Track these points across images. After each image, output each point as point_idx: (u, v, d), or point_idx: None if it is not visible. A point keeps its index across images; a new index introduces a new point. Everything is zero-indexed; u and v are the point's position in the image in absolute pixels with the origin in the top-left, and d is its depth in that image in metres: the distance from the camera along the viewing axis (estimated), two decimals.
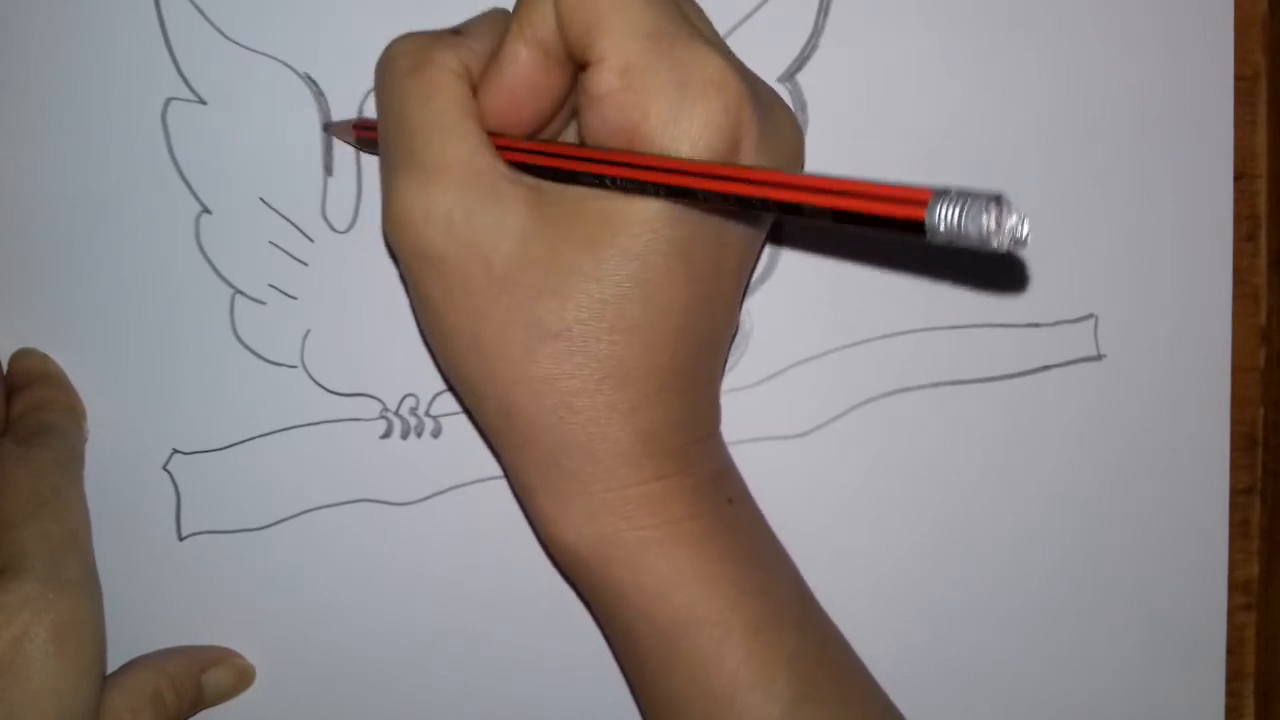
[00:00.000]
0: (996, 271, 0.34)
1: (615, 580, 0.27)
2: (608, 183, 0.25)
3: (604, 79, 0.25)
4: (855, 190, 0.21)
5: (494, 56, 0.27)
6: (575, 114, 0.28)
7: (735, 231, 0.28)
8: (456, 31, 0.28)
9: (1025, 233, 0.19)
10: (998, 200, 0.19)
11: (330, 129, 0.32)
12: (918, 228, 0.20)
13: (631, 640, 0.28)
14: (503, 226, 0.26)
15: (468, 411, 0.33)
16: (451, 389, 0.33)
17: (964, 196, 0.19)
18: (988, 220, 0.19)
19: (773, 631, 0.28)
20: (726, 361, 0.30)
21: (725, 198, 0.23)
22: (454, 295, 0.26)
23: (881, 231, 0.21)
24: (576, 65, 0.27)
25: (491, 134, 0.27)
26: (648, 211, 0.25)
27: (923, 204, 0.19)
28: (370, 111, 0.32)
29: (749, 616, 0.27)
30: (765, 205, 0.23)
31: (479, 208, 0.26)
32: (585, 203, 0.26)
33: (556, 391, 0.26)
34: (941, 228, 0.19)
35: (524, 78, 0.27)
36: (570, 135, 0.30)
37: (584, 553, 0.27)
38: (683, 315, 0.27)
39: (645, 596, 0.27)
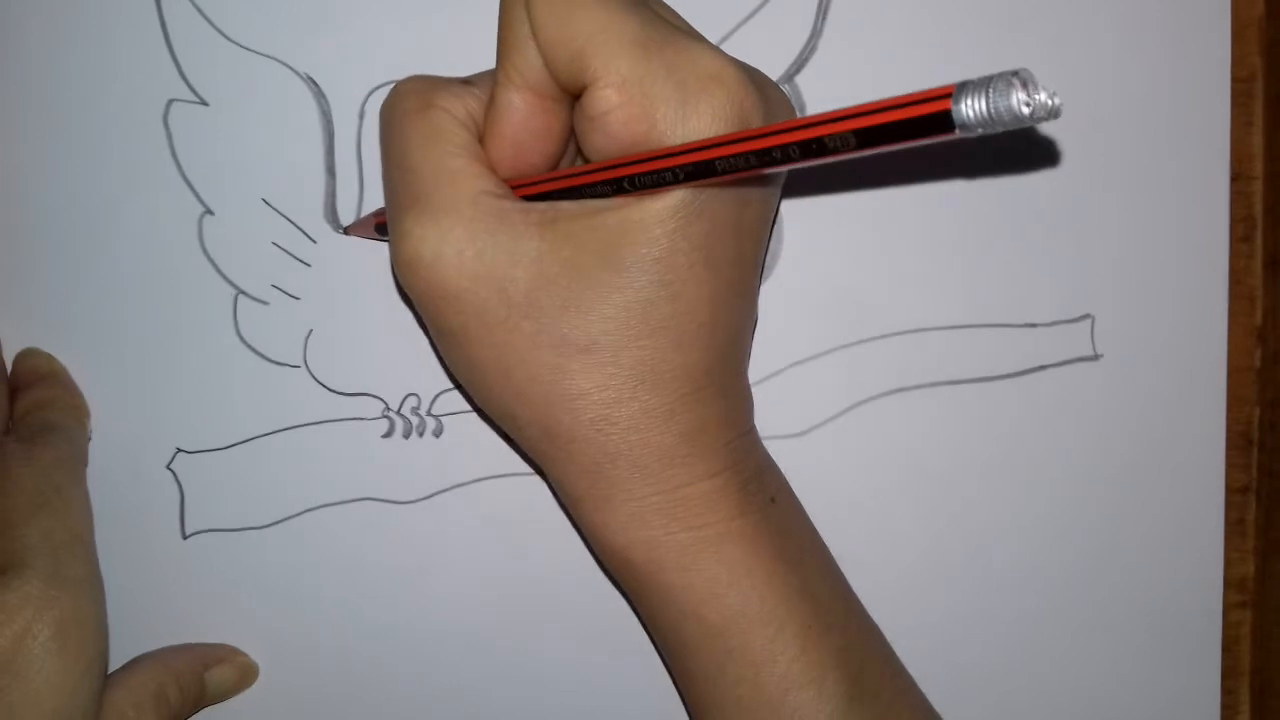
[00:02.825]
0: (994, 272, 0.34)
1: (666, 583, 0.28)
2: (625, 184, 0.25)
3: (603, 97, 0.25)
4: (875, 107, 0.20)
5: (489, 109, 0.27)
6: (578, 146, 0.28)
7: (750, 218, 0.28)
8: (466, 81, 0.28)
9: (1057, 103, 0.19)
10: (1019, 75, 0.19)
11: (351, 230, 0.33)
12: (946, 123, 0.19)
13: (681, 642, 0.28)
14: (516, 254, 0.26)
15: (478, 412, 0.34)
16: (480, 412, 0.33)
17: (987, 80, 0.19)
18: (1017, 97, 0.18)
19: (822, 629, 0.28)
20: (750, 353, 0.30)
21: (745, 159, 0.23)
22: (473, 330, 0.26)
23: (912, 142, 0.20)
24: (571, 96, 0.27)
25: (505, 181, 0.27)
26: (664, 212, 0.25)
27: (947, 98, 0.19)
28: (371, 112, 0.33)
29: (799, 615, 0.28)
30: (788, 152, 0.22)
31: (489, 240, 0.26)
32: (600, 216, 0.26)
33: (593, 405, 0.26)
34: (971, 116, 0.19)
35: (523, 124, 0.27)
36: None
37: (635, 557, 0.28)
38: (709, 311, 0.27)
39: (696, 597, 0.27)
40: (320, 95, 0.33)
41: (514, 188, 0.27)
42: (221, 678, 0.33)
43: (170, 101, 0.32)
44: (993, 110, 0.19)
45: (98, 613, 0.30)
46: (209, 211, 0.33)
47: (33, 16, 0.32)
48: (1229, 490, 0.34)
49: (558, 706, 0.34)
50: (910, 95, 0.20)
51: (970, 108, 0.19)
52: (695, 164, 0.24)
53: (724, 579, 0.27)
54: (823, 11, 0.33)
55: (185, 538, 0.34)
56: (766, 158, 0.23)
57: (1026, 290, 0.34)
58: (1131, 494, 0.34)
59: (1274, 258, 0.34)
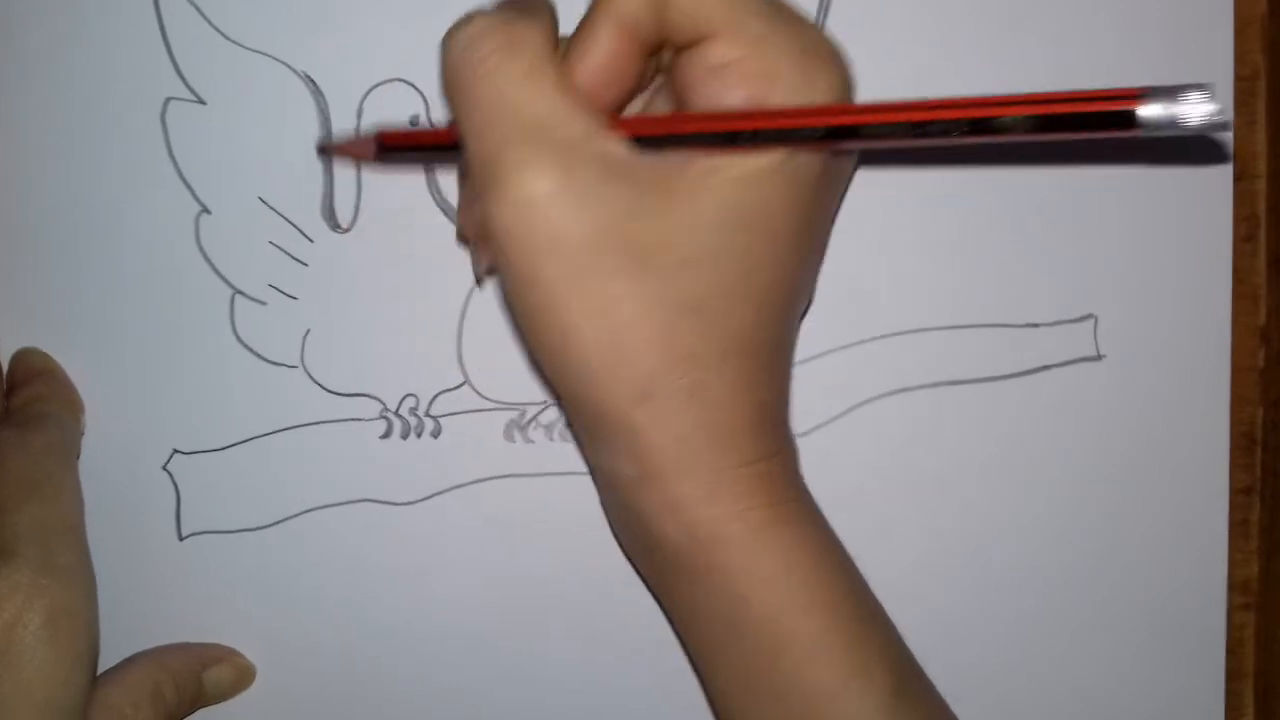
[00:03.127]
0: (995, 271, 0.34)
1: (727, 564, 0.27)
2: (759, 137, 0.25)
3: (730, 48, 0.25)
4: (1057, 97, 0.22)
5: (576, 41, 0.26)
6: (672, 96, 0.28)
7: (835, 198, 0.28)
8: (533, 16, 0.27)
9: (1228, 116, 0.21)
10: (1202, 87, 0.21)
11: (334, 149, 0.32)
12: (1128, 121, 0.21)
13: (733, 629, 0.27)
14: (639, 207, 0.25)
15: (537, 365, 0.33)
16: (543, 382, 0.32)
17: (1173, 89, 0.21)
18: (1196, 106, 0.21)
19: (869, 621, 0.28)
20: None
21: (907, 127, 0.24)
22: (585, 280, 0.25)
23: (1089, 134, 0.22)
24: (658, 46, 0.26)
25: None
26: (777, 176, 0.25)
27: (1135, 98, 0.21)
28: (370, 111, 0.32)
29: (851, 604, 0.27)
30: (953, 127, 0.23)
31: (612, 189, 0.25)
32: (715, 176, 0.25)
33: (696, 368, 0.26)
34: (1155, 117, 0.21)
35: (608, 64, 0.26)
36: None
37: (702, 535, 0.27)
38: (795, 283, 0.27)
39: (757, 579, 0.27)
40: (318, 94, 0.32)
41: (615, 127, 0.26)
42: (219, 678, 0.33)
43: (167, 100, 0.32)
44: (1173, 115, 0.21)
45: (89, 602, 0.29)
46: (206, 210, 0.33)
47: (30, 14, 0.32)
48: (1232, 491, 0.34)
49: (558, 709, 0.34)
50: (1094, 92, 0.22)
51: (1158, 111, 0.21)
52: (841, 127, 0.24)
53: (787, 562, 0.27)
54: (824, 8, 0.33)
55: (182, 539, 0.33)
56: (932, 129, 0.23)
57: (1028, 290, 0.34)
58: (1134, 495, 0.34)
59: (1278, 257, 0.34)
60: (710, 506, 0.26)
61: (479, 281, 0.33)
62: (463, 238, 0.32)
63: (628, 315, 0.25)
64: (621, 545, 0.31)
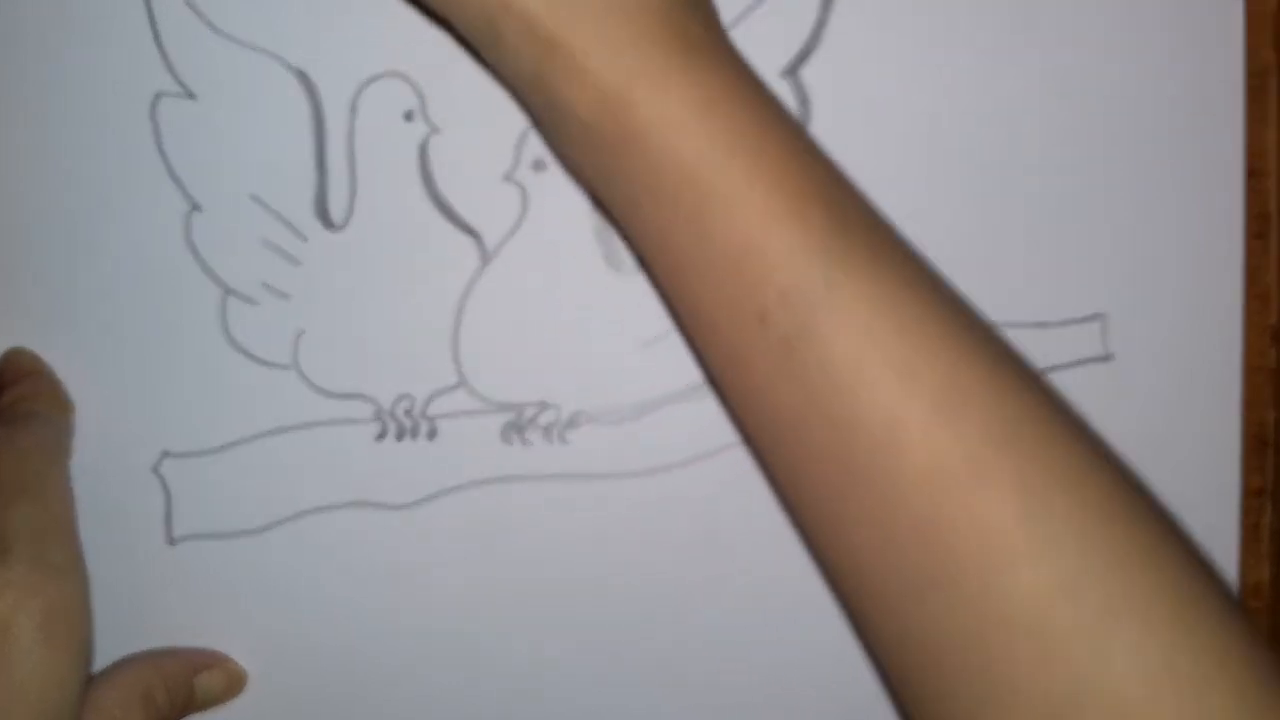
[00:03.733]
0: (1002, 270, 0.33)
1: (641, 123, 0.25)
2: None
3: None
4: None
5: None
6: None
7: None
8: None
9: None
10: None
11: None
12: None
13: (656, 198, 0.26)
14: None
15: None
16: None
17: None
18: None
19: (801, 161, 0.26)
20: None
21: None
22: None
23: None
24: None
25: None
26: None
27: None
28: (365, 107, 0.32)
29: (778, 145, 0.25)
30: None
31: None
32: None
33: None
34: None
35: None
36: None
37: (612, 95, 0.25)
38: None
39: (667, 131, 0.25)
40: (311, 89, 0.32)
41: None
42: (210, 684, 0.33)
43: (157, 95, 0.32)
44: None
45: (83, 600, 0.29)
46: (196, 208, 0.33)
47: (17, 7, 0.32)
48: (1244, 494, 0.34)
49: (554, 710, 0.34)
50: None
51: None
52: None
53: (700, 105, 0.25)
54: (827, 3, 0.32)
55: (172, 543, 0.33)
56: None
57: (1035, 289, 0.33)
58: None
59: None
60: (615, 59, 0.25)
61: None
62: None
63: None
64: (571, 169, 0.29)
